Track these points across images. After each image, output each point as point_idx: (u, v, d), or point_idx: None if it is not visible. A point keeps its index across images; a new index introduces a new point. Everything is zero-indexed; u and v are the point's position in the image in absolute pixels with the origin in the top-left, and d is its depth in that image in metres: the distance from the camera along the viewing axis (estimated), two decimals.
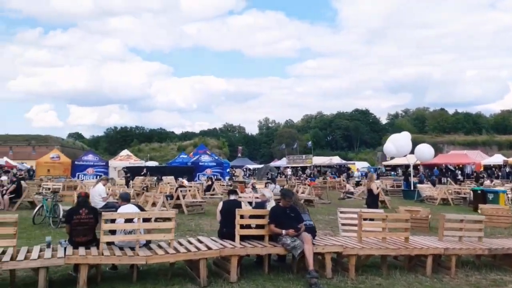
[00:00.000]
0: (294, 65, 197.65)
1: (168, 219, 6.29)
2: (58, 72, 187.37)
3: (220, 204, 7.37)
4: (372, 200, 12.92)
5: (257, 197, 12.27)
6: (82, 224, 6.17)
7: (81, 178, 33.50)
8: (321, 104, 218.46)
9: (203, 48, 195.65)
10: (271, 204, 7.20)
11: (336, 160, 51.22)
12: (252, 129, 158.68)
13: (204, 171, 37.32)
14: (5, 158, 46.07)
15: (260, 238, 6.90)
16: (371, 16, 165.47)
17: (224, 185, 25.49)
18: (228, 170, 40.03)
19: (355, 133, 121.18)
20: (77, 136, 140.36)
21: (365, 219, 7.47)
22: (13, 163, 46.80)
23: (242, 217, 6.73)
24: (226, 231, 6.87)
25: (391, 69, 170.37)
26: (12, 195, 15.06)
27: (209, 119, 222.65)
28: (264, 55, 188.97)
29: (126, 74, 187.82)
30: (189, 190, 15.49)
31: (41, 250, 5.89)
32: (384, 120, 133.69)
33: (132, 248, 6.10)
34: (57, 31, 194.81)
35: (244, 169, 55.78)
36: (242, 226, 6.71)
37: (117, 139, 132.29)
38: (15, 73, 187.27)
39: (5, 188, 15.91)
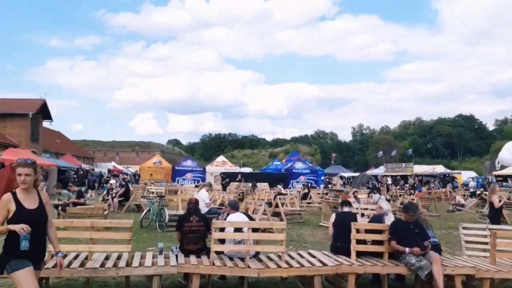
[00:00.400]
0: (390, 70, 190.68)
1: (279, 230, 5.90)
2: (159, 83, 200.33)
3: (333, 216, 6.83)
4: (494, 214, 11.55)
5: (363, 208, 11.49)
6: (193, 232, 6.01)
7: (180, 182, 34.88)
8: (419, 110, 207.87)
9: (295, 55, 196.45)
10: (389, 218, 6.49)
11: (439, 169, 47.84)
12: (345, 136, 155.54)
13: (298, 178, 36.91)
14: (113, 163, 49.70)
15: (377, 255, 6.24)
16: (476, 15, 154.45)
17: (320, 193, 24.81)
18: (322, 178, 39.16)
19: (458, 140, 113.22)
20: (175, 142, 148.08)
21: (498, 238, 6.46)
22: (119, 167, 50.32)
23: (358, 231, 6.13)
24: (340, 246, 6.31)
25: (498, 71, 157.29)
26: (121, 198, 15.84)
27: (300, 126, 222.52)
28: (357, 60, 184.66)
29: (220, 83, 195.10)
30: (288, 198, 15.09)
31: (153, 257, 5.81)
32: (491, 126, 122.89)
33: (242, 259, 5.80)
34: (158, 44, 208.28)
35: (340, 177, 54.36)
36: (358, 242, 6.11)
37: (212, 146, 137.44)
38: (121, 84, 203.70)
39: (114, 191, 16.82)
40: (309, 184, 34.36)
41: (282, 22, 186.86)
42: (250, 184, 26.27)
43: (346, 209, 6.87)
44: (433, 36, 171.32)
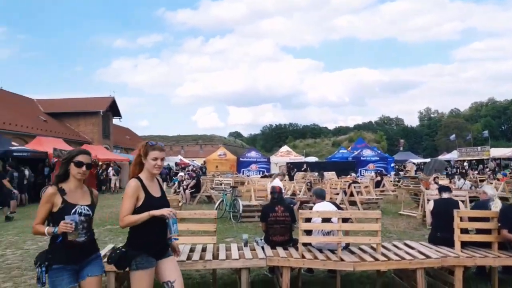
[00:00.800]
0: (457, 49, 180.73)
1: (374, 220, 5.36)
2: (218, 76, 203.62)
3: (431, 203, 6.18)
4: None
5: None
6: (279, 222, 5.64)
7: (245, 173, 34.95)
8: (492, 90, 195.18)
9: (354, 40, 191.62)
10: (496, 204, 5.74)
11: None
12: (411, 121, 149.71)
13: (366, 166, 35.74)
14: (179, 156, 50.84)
15: (482, 245, 5.54)
16: None
17: (392, 181, 23.70)
18: (392, 165, 37.63)
19: None
20: (237, 135, 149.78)
21: None
22: (185, 160, 51.44)
23: (461, 219, 5.46)
24: (441, 236, 5.66)
25: None
26: (192, 190, 15.89)
27: (363, 113, 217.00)
28: (421, 42, 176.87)
29: (278, 73, 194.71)
30: (363, 186, 14.38)
31: (239, 249, 5.51)
32: None
33: (332, 251, 5.36)
34: (216, 38, 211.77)
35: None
36: (461, 231, 5.45)
37: (273, 136, 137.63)
38: (183, 80, 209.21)
39: (185, 183, 16.95)
40: (381, 172, 33.19)
41: (339, 7, 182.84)
42: (316, 173, 25.59)
43: (445, 195, 6.18)
44: (504, 11, 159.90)
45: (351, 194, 13.51)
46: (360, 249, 5.58)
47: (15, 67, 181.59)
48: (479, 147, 49.62)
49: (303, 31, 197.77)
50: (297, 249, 5.41)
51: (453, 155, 51.29)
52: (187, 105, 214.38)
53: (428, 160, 58.35)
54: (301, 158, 38.92)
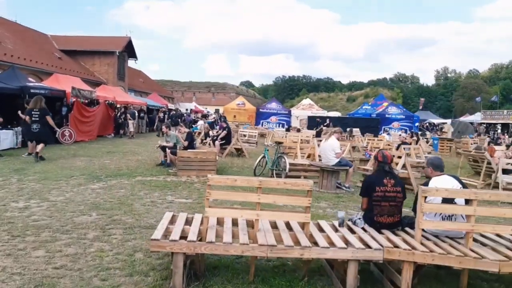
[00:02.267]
0: (480, 7, 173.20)
1: None
2: (231, 23, 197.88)
3: None
4: None
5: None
6: (388, 199, 4.41)
7: (265, 125, 33.70)
8: None
9: None
10: None
11: None
12: (427, 80, 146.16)
13: (391, 124, 34.33)
14: (194, 103, 49.55)
15: None
16: None
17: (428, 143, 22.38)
18: (417, 124, 36.14)
19: None
20: (248, 84, 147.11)
21: None
22: (199, 107, 50.14)
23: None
24: None
25: None
26: (222, 142, 14.71)
27: (377, 69, 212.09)
28: None
29: (293, 23, 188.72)
30: (413, 148, 13.07)
31: (335, 230, 4.34)
32: None
33: (452, 239, 4.18)
34: None
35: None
36: None
37: (285, 88, 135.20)
38: (194, 25, 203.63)
39: (214, 133, 15.77)
40: (415, 133, 31.81)
41: None
42: (348, 130, 24.26)
43: None
44: None
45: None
46: (488, 238, 4.39)
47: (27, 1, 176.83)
48: (505, 111, 47.69)
49: None
50: (410, 235, 4.23)
51: (476, 117, 49.47)
52: (198, 51, 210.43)
53: (448, 121, 56.78)
54: (323, 112, 37.44)
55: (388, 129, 33.77)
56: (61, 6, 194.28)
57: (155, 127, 26.02)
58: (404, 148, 12.65)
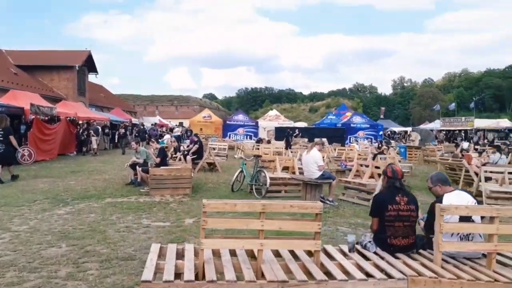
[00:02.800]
0: (431, 19, 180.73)
1: None
2: (192, 37, 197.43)
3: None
4: None
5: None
6: (402, 218, 4.01)
7: (232, 137, 33.22)
8: (464, 62, 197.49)
9: (331, 5, 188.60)
10: None
11: (504, 123, 44.10)
12: (385, 89, 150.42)
13: (356, 134, 34.60)
14: (158, 117, 48.45)
15: None
16: None
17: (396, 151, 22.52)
18: (381, 133, 36.63)
19: (508, 93, 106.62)
20: (211, 97, 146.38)
21: None
22: (164, 121, 49.07)
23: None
24: None
25: None
26: (194, 156, 14.10)
27: (336, 80, 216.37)
28: (397, 10, 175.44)
29: (253, 36, 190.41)
30: (391, 158, 12.94)
31: (345, 255, 3.91)
32: None
33: (469, 259, 3.85)
34: None
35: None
36: None
37: (248, 100, 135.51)
38: (155, 38, 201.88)
39: (185, 147, 15.15)
40: (382, 142, 32.11)
41: None
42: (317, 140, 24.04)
43: None
44: None
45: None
46: (501, 255, 4.07)
47: None
48: (463, 118, 49.28)
49: None
50: (427, 258, 3.86)
51: (436, 125, 50.85)
52: (160, 64, 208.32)
53: (409, 129, 58.10)
54: (290, 123, 37.36)
55: (354, 138, 34.02)
56: (16, 20, 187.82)
57: (116, 142, 24.80)
58: (380, 158, 12.49)
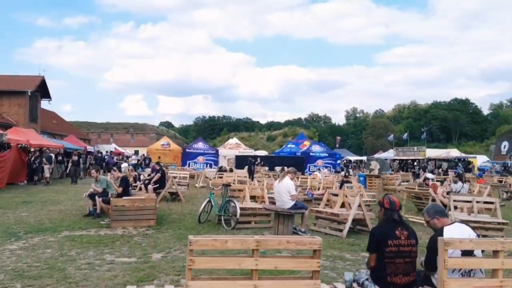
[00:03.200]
0: (381, 53, 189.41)
1: None
2: (149, 64, 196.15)
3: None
4: None
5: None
6: (403, 254, 3.78)
7: (192, 166, 32.57)
8: (412, 94, 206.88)
9: (286, 37, 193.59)
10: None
11: (454, 152, 46.06)
12: (338, 119, 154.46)
13: (315, 162, 34.86)
14: (114, 145, 47.06)
15: None
16: None
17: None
18: (338, 161, 37.15)
19: (454, 124, 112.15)
20: (168, 125, 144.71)
21: None
22: (120, 149, 47.67)
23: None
24: None
25: (488, 55, 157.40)
26: (155, 185, 13.52)
27: (291, 109, 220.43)
28: (349, 43, 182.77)
29: (211, 65, 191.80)
30: (356, 187, 12.91)
31: None
32: (485, 111, 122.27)
33: None
34: (147, 25, 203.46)
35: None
36: None
37: (206, 128, 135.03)
38: (111, 65, 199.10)
39: (145, 176, 14.54)
40: (326, 169, 32.42)
41: (274, 3, 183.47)
42: (278, 169, 24.00)
43: None
44: (425, 20, 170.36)
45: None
46: None
47: None
48: (415, 147, 51.05)
49: (237, 25, 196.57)
50: None
51: (390, 154, 52.34)
52: (115, 91, 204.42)
53: (364, 158, 59.40)
54: (251, 151, 37.19)
55: (314, 167, 34.25)
56: None
57: (67, 171, 23.35)
58: (347, 187, 12.44)
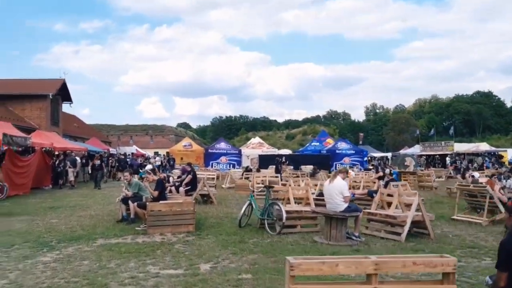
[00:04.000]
0: (398, 48, 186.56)
1: None
2: (164, 66, 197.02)
3: None
4: None
5: None
6: None
7: (214, 166, 31.98)
8: (433, 88, 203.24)
9: (301, 35, 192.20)
10: None
11: (483, 146, 44.46)
12: (357, 116, 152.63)
13: (341, 160, 33.90)
14: (135, 147, 46.82)
15: None
16: None
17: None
18: (365, 158, 36.12)
19: (477, 117, 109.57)
20: (185, 126, 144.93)
21: None
22: (141, 151, 47.40)
23: None
24: None
25: (507, 48, 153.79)
26: (187, 187, 12.89)
27: (308, 107, 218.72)
28: (365, 39, 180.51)
29: (225, 65, 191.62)
30: (402, 186, 12.04)
31: None
32: (509, 103, 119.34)
33: None
34: (162, 27, 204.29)
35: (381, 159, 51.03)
36: None
37: (223, 128, 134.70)
38: (127, 68, 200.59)
39: (176, 178, 13.94)
40: (353, 166, 31.41)
41: (288, 1, 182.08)
42: (305, 168, 23.18)
43: None
44: (442, 12, 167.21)
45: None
46: None
47: None
48: (442, 142, 49.56)
49: (251, 24, 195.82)
50: None
51: (416, 150, 50.91)
52: (131, 94, 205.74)
53: (388, 154, 58.11)
54: (274, 151, 36.42)
55: (340, 165, 33.30)
56: None
57: (89, 174, 22.54)
58: (393, 185, 11.60)
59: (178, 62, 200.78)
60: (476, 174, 13.45)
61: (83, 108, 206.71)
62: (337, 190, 7.79)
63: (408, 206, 8.76)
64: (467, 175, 14.65)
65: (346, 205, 7.77)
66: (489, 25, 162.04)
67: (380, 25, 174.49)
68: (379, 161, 47.73)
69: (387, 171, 16.16)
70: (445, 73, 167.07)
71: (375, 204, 8.93)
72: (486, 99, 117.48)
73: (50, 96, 30.52)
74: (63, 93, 33.58)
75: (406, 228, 7.92)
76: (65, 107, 36.61)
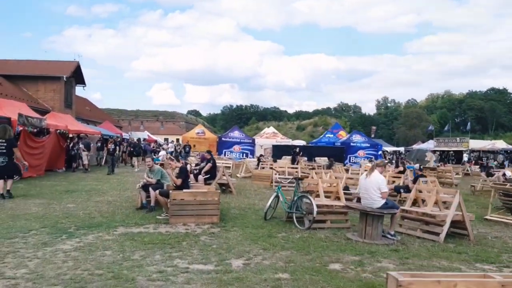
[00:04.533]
0: (411, 42, 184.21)
1: None
2: (176, 52, 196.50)
3: None
4: None
5: None
6: None
7: (227, 155, 31.56)
8: (446, 83, 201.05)
9: (314, 26, 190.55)
10: None
11: (500, 144, 43.55)
12: (368, 109, 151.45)
13: (356, 153, 33.29)
14: (146, 132, 46.52)
15: None
16: None
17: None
18: (380, 152, 35.44)
19: (490, 114, 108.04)
20: (195, 113, 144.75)
21: None
22: (153, 137, 47.13)
23: None
24: None
25: None
26: (206, 176, 12.47)
27: (318, 99, 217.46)
28: (378, 32, 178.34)
29: (238, 53, 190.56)
30: (430, 181, 11.51)
31: None
32: None
33: None
34: (175, 13, 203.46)
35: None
36: None
37: (233, 117, 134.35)
38: (139, 54, 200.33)
39: (194, 166, 13.52)
40: (368, 160, 30.79)
41: None
42: (320, 160, 22.67)
43: None
44: (458, 7, 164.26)
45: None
46: None
47: None
48: (458, 138, 48.69)
49: (265, 13, 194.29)
50: None
51: (430, 145, 50.10)
52: (143, 79, 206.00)
53: (401, 148, 57.42)
54: (288, 141, 35.89)
55: (354, 158, 32.76)
56: None
57: (103, 162, 22.27)
58: (422, 181, 11.08)
59: (190, 49, 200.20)
60: (508, 172, 12.83)
61: (94, 92, 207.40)
62: (374, 185, 7.29)
63: (445, 203, 8.28)
64: (498, 173, 14.03)
65: (383, 201, 7.29)
66: (506, 21, 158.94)
67: (395, 18, 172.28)
68: (391, 156, 47.09)
69: (416, 166, 15.57)
70: (459, 68, 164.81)
71: (410, 201, 8.43)
72: (500, 96, 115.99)
73: (64, 78, 30.18)
74: (77, 76, 33.25)
75: (445, 228, 7.43)
76: (78, 90, 36.36)
